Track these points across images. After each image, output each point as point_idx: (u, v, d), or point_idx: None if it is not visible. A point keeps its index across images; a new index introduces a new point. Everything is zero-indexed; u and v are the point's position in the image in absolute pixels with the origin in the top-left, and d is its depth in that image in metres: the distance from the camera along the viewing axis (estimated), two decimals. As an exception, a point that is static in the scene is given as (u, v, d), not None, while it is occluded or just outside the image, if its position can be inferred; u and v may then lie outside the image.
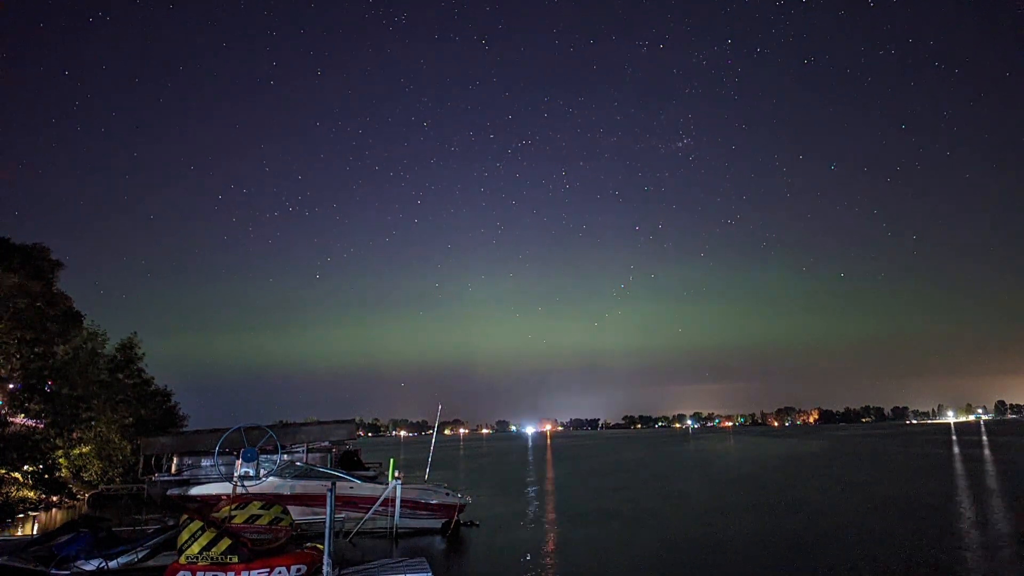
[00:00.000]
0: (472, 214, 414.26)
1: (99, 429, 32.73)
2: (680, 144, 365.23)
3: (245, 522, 11.12)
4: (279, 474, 19.66)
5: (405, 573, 10.91)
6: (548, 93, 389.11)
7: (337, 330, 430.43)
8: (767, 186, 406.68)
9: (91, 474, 32.30)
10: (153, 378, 40.51)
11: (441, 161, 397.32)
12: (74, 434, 31.39)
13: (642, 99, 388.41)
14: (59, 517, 24.66)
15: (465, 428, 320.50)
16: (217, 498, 17.72)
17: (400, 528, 18.70)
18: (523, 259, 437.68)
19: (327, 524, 10.12)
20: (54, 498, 28.07)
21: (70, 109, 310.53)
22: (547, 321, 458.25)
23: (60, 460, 30.78)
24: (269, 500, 11.94)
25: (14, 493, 26.32)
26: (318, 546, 10.91)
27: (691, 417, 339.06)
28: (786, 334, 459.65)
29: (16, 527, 22.40)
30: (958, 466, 39.00)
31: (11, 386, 28.51)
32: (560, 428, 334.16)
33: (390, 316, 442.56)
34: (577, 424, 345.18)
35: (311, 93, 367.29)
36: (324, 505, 10.49)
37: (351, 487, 19.12)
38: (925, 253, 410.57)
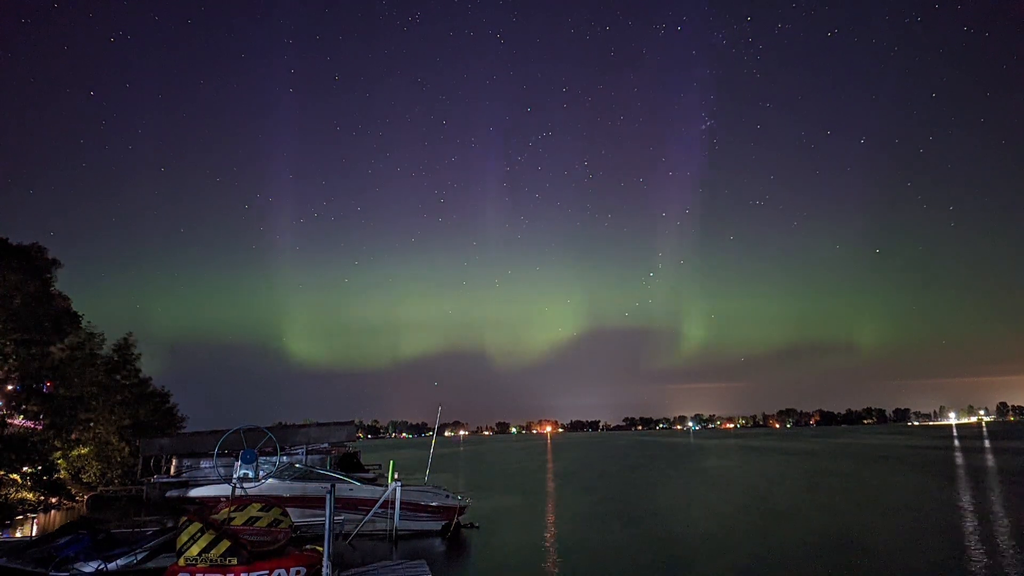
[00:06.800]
0: (496, 210, 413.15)
1: (97, 430, 32.68)
2: (703, 126, 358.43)
3: (244, 524, 11.07)
4: (278, 476, 19.62)
5: (405, 575, 10.88)
6: (566, 83, 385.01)
7: (358, 333, 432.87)
8: (795, 164, 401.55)
9: (90, 476, 32.24)
10: (151, 379, 40.50)
11: (462, 159, 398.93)
12: (72, 435, 31.35)
13: (662, 83, 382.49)
14: (58, 519, 24.61)
15: (465, 430, 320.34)
16: (216, 500, 17.65)
17: (400, 530, 18.65)
18: (549, 251, 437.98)
19: (327, 526, 10.08)
20: (53, 500, 28.03)
21: (97, 128, 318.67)
22: (577, 313, 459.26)
23: (59, 462, 30.74)
24: (268, 502, 11.89)
25: (13, 495, 26.27)
26: (317, 548, 10.87)
27: (692, 419, 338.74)
28: (788, 334, 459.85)
29: (15, 529, 22.35)
30: (963, 471, 38.96)
31: (9, 387, 28.47)
32: (561, 430, 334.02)
33: (417, 316, 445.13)
34: (577, 425, 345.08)
35: (329, 98, 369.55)
36: (323, 507, 10.45)
37: (351, 489, 19.07)
38: (963, 225, 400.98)
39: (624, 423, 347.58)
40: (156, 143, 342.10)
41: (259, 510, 11.33)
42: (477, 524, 20.01)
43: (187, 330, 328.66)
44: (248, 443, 20.87)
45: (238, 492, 17.89)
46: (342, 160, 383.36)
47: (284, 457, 21.23)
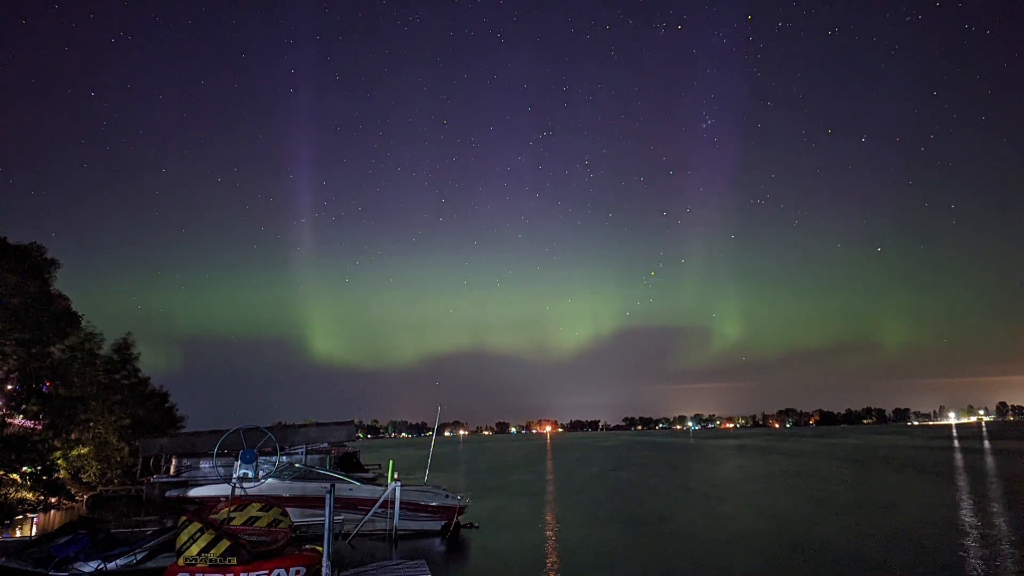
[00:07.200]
0: (496, 209, 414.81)
1: (97, 430, 32.67)
2: (704, 126, 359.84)
3: (244, 524, 11.07)
4: (278, 476, 19.62)
5: (404, 575, 10.89)
6: (567, 83, 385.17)
7: (358, 332, 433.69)
8: (796, 163, 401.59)
9: (90, 475, 32.23)
10: (149, 378, 40.48)
11: (462, 158, 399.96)
12: (72, 435, 31.34)
13: (662, 82, 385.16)
14: (58, 519, 24.61)
15: (465, 430, 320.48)
16: (216, 500, 17.65)
17: (399, 530, 18.66)
18: (550, 251, 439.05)
19: (326, 526, 10.09)
20: (53, 499, 28.02)
21: (98, 129, 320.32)
22: (577, 313, 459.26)
23: (59, 461, 30.72)
24: (268, 502, 11.89)
25: (13, 494, 26.27)
26: (317, 548, 10.88)
27: (692, 419, 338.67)
28: (788, 333, 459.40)
29: (15, 529, 22.35)
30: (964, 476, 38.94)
31: (9, 387, 28.45)
32: (560, 430, 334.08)
33: (417, 316, 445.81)
34: (577, 425, 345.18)
35: (330, 98, 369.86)
36: (323, 507, 10.46)
37: (350, 489, 19.08)
38: (964, 224, 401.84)
39: (624, 423, 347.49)
40: (157, 143, 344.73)
41: (259, 510, 11.33)
42: (477, 524, 20.01)
43: (187, 330, 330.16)
44: (248, 443, 20.90)
45: (238, 492, 17.91)
46: (343, 160, 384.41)
47: (284, 457, 21.22)
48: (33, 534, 20.59)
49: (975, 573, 12.75)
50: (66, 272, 33.17)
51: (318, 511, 17.33)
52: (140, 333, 38.65)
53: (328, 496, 10.46)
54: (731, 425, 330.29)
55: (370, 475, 22.45)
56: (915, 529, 17.83)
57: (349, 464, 23.33)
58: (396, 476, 19.44)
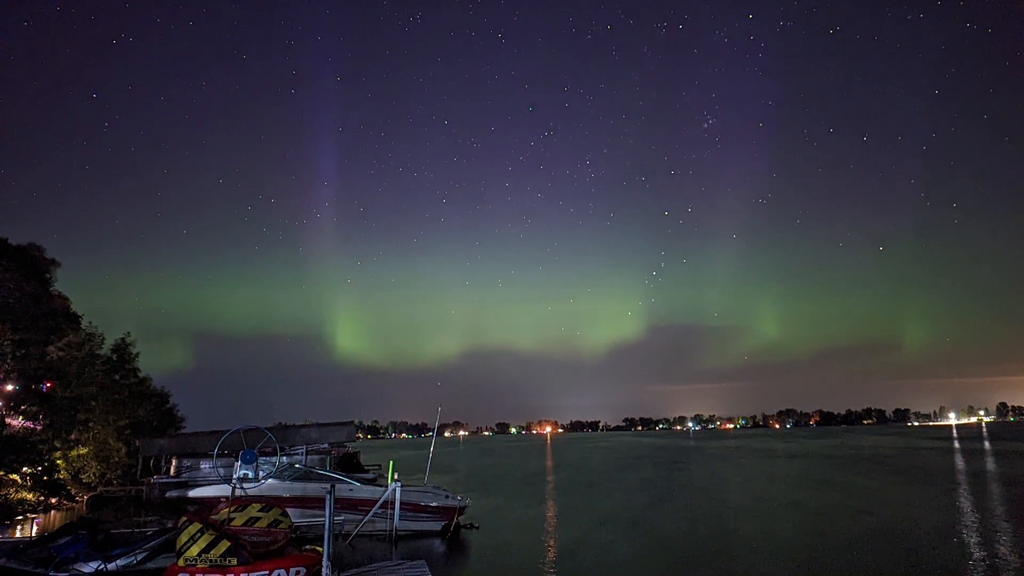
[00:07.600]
0: (498, 209, 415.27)
1: (96, 430, 32.65)
2: (705, 125, 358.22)
3: (244, 524, 11.05)
4: (278, 476, 19.61)
5: (405, 576, 10.88)
6: (568, 83, 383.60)
7: (359, 333, 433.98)
8: (798, 162, 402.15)
9: (89, 476, 32.22)
10: (147, 377, 40.39)
11: (464, 158, 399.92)
12: (72, 436, 31.32)
13: (664, 82, 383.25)
14: (58, 519, 24.61)
15: (465, 430, 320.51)
16: (216, 500, 17.64)
17: (400, 530, 18.65)
18: (552, 251, 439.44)
19: (326, 526, 10.08)
20: (53, 500, 28.02)
21: (100, 130, 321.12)
22: (579, 313, 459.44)
23: (59, 462, 30.73)
24: (268, 502, 11.87)
25: (13, 495, 26.27)
26: (317, 548, 10.87)
27: (692, 419, 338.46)
28: (789, 333, 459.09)
29: (15, 529, 22.35)
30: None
31: (9, 387, 28.45)
32: (560, 430, 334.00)
33: (419, 317, 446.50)
34: (577, 426, 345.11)
35: (331, 99, 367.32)
36: (323, 507, 10.45)
37: (351, 489, 19.07)
38: (965, 222, 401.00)
39: (624, 423, 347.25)
40: (158, 144, 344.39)
41: (259, 510, 11.31)
42: (477, 524, 20.01)
43: (188, 330, 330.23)
44: (248, 443, 20.90)
45: (238, 492, 17.90)
46: (344, 161, 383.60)
47: (284, 457, 21.21)
48: (33, 534, 20.58)
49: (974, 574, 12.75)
50: (67, 272, 33.27)
51: (318, 511, 17.33)
52: (142, 333, 38.59)
53: (328, 496, 10.45)
54: (731, 426, 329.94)
55: (370, 476, 22.43)
56: (913, 531, 17.82)
57: (349, 465, 23.31)
58: (396, 477, 19.44)
